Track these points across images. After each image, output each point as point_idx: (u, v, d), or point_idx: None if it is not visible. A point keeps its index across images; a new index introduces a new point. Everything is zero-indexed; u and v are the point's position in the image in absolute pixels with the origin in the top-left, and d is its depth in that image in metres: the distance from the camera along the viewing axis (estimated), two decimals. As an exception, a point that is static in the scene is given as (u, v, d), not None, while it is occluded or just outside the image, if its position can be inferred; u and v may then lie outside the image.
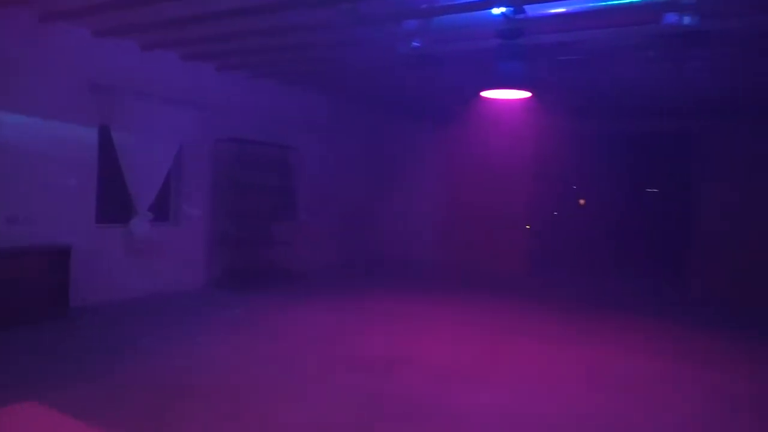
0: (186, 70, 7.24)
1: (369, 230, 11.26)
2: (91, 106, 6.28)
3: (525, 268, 10.70)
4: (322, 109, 9.79)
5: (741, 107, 8.55)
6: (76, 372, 4.30)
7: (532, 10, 5.02)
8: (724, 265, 9.09)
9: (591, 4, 4.90)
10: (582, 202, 11.71)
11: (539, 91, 5.75)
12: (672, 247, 10.87)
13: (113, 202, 6.89)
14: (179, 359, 4.74)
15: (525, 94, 5.44)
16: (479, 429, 3.65)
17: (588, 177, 11.95)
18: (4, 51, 5.58)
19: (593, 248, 11.84)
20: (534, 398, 4.23)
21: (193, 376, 4.34)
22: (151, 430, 3.39)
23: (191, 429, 3.44)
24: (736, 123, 9.10)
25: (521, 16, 5.10)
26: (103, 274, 6.50)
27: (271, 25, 5.68)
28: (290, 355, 5.02)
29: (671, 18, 4.80)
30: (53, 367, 4.40)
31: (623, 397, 4.34)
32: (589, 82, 7.35)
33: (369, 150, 11.16)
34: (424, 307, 7.33)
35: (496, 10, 4.99)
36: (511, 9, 4.93)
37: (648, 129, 10.29)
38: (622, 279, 10.47)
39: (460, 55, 6.21)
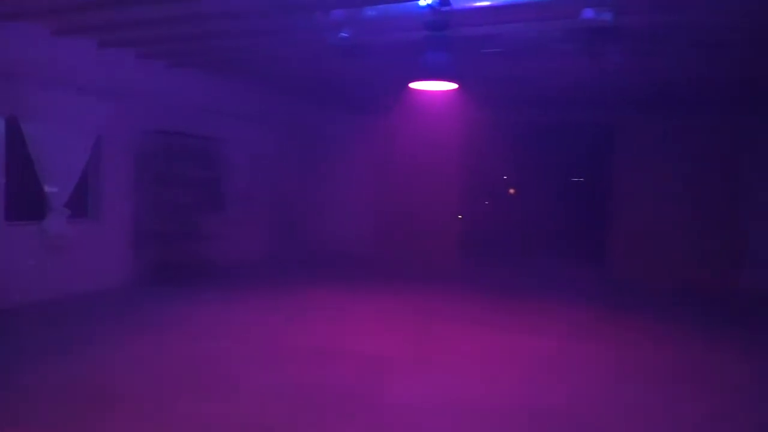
0: (103, 58, 6.88)
1: (302, 223, 11.14)
2: (-3, 94, 5.89)
3: (457, 258, 10.89)
4: (251, 100, 9.58)
5: (657, 100, 9.01)
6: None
7: (457, 3, 5.08)
8: (641, 251, 9.59)
9: (513, -2, 5.02)
10: (512, 191, 12.05)
11: (466, 83, 5.84)
12: (595, 234, 11.36)
13: (25, 198, 6.49)
14: (97, 361, 4.53)
15: (452, 86, 5.51)
16: (414, 418, 3.69)
17: (517, 167, 12.28)
18: None
19: (523, 236, 12.21)
20: (466, 385, 4.31)
21: (112, 378, 4.16)
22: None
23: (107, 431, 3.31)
24: (653, 115, 9.59)
25: (447, 8, 5.15)
26: (16, 275, 6.11)
27: (194, 11, 5.48)
28: (217, 352, 4.90)
29: (589, 13, 5.00)
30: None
31: (557, 382, 4.51)
32: (514, 74, 7.53)
33: (301, 141, 11.03)
34: (357, 299, 7.34)
35: (423, 2, 5.02)
36: (437, 1, 4.97)
37: (573, 120, 10.68)
38: (551, 265, 10.85)
39: (388, 47, 6.22)
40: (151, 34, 6.40)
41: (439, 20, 5.27)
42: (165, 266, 7.70)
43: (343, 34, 6.12)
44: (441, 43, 5.33)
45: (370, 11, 5.64)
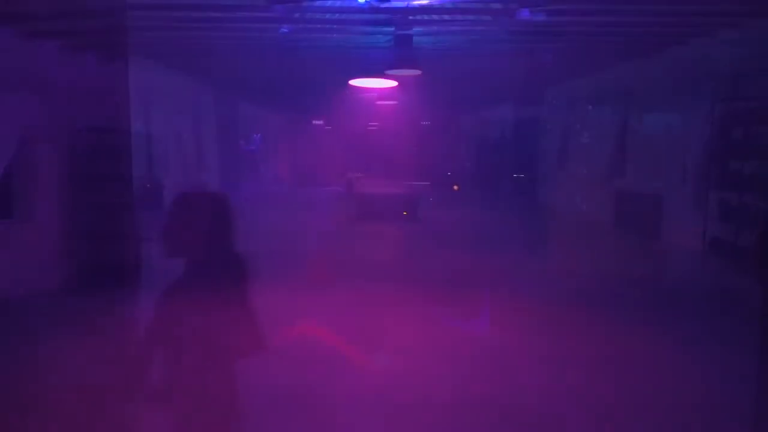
0: (26, 50, 6.49)
1: (243, 219, 10.92)
2: None
3: (402, 252, 11.01)
4: (189, 95, 9.31)
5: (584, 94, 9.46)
6: None
7: (396, 1, 5.15)
8: (575, 240, 10.06)
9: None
10: (456, 188, 12.23)
11: (407, 81, 5.93)
12: (535, 227, 11.80)
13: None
14: (26, 369, 4.30)
15: (391, 84, 5.58)
16: (349, 414, 3.71)
17: (459, 164, 12.59)
18: None
19: (467, 230, 12.53)
20: (399, 379, 4.33)
21: (41, 387, 3.96)
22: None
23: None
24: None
25: (386, 5, 5.21)
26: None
27: (127, 2, 5.29)
28: (153, 356, 4.72)
29: (524, 14, 5.20)
30: None
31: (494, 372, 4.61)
32: (454, 72, 7.71)
33: (241, 136, 10.81)
34: (297, 296, 7.25)
35: (362, -1, 5.07)
36: (376, -1, 5.03)
37: (513, 117, 11.06)
38: (493, 257, 11.11)
39: (328, 43, 6.23)
40: (81, 26, 6.13)
41: (379, 18, 5.33)
42: (98, 268, 7.37)
43: (284, 30, 6.10)
44: (382, 41, 5.39)
45: (311, 7, 5.63)
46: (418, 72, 5.75)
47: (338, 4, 5.48)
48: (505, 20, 5.51)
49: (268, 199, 15.57)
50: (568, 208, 12.68)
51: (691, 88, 8.23)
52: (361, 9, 5.36)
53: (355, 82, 5.83)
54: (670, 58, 8.56)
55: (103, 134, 7.44)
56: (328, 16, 5.77)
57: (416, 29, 5.74)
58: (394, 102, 8.92)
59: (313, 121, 19.09)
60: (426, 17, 5.61)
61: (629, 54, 8.46)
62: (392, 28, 5.63)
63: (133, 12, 5.66)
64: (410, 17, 5.51)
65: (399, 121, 10.84)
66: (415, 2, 5.29)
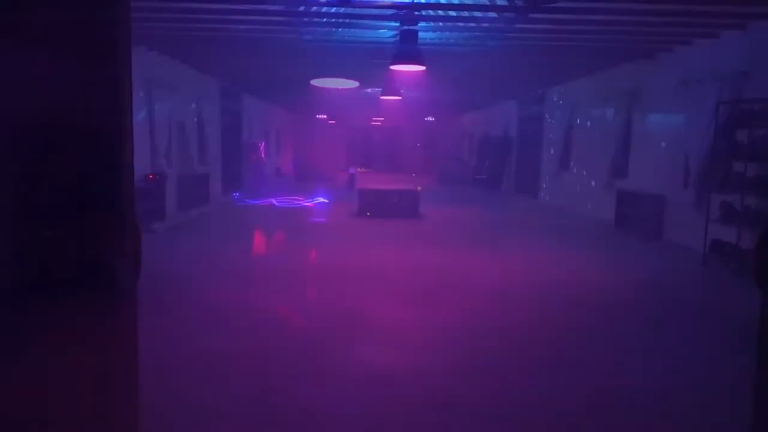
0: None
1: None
2: None
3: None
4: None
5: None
6: None
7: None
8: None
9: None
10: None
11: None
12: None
13: None
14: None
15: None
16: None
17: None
18: None
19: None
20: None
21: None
22: None
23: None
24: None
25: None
26: None
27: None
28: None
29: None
30: None
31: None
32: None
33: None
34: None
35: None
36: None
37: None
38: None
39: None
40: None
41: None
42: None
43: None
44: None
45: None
46: (422, 68, 5.56)
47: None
48: (511, 17, 5.33)
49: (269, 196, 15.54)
50: (568, 207, 12.42)
51: (695, 90, 8.12)
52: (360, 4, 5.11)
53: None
54: (673, 58, 8.65)
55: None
56: (334, 10, 5.53)
57: (422, 24, 5.56)
58: (398, 98, 8.71)
59: (317, 116, 19.08)
60: (432, 13, 5.43)
61: (633, 54, 8.63)
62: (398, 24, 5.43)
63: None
64: (416, 12, 5.32)
65: (398, 118, 10.65)
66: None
